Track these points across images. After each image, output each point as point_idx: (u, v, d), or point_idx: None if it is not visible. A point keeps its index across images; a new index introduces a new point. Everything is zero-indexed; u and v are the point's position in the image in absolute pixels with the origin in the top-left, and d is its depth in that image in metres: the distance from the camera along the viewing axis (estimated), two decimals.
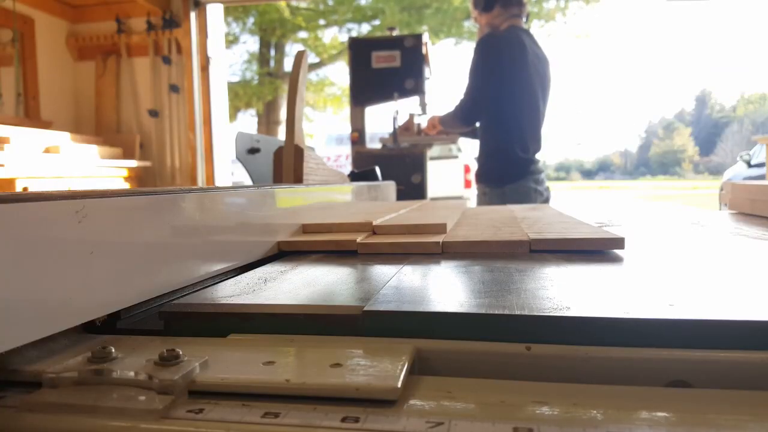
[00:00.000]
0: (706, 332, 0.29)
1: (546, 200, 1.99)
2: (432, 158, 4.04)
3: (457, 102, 1.98)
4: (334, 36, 8.22)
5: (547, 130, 2.12)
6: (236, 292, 0.40)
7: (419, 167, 2.43)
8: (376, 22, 7.42)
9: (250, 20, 7.78)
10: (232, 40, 8.01)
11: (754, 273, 0.44)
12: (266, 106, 7.89)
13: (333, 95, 8.76)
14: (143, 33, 3.51)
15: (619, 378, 0.28)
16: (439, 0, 6.98)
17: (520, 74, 1.88)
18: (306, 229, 0.68)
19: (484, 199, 1.99)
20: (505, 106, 1.90)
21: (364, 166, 1.89)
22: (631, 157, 52.66)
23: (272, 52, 8.28)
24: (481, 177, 2.01)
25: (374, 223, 0.68)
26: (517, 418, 0.23)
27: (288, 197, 0.65)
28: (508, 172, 1.91)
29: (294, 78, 0.93)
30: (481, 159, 2.01)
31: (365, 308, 0.34)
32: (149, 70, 3.56)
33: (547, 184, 2.04)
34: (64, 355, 0.31)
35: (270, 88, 7.76)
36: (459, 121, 2.01)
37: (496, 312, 0.32)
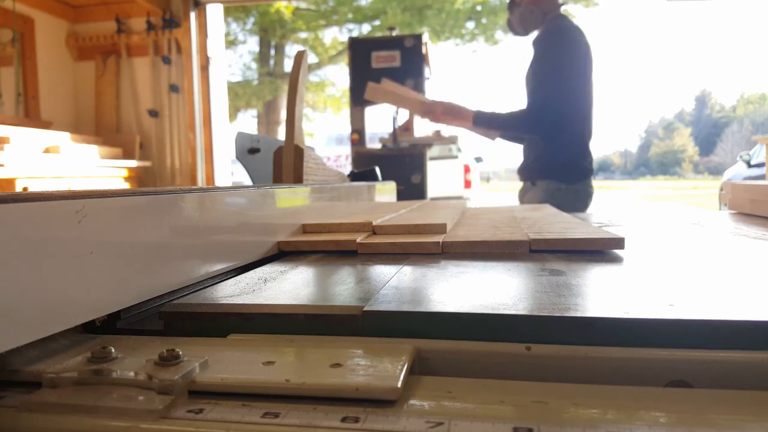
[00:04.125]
0: (706, 332, 0.29)
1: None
2: (432, 158, 4.05)
3: (519, 106, 1.74)
4: (335, 36, 8.23)
5: None
6: (236, 292, 0.40)
7: (419, 167, 2.43)
8: (377, 23, 7.43)
9: (250, 20, 7.79)
10: (232, 41, 8.01)
11: (753, 273, 0.44)
12: (266, 106, 7.89)
13: (332, 97, 8.76)
14: (143, 33, 3.51)
15: (619, 378, 0.28)
16: (441, 1, 6.98)
17: (589, 71, 1.72)
18: (306, 229, 0.68)
19: (556, 195, 1.75)
20: (579, 105, 1.72)
21: (364, 166, 1.89)
22: (631, 157, 52.61)
23: (272, 52, 8.28)
24: (548, 173, 1.77)
25: (374, 223, 0.68)
26: (517, 418, 0.23)
27: (288, 197, 0.65)
28: (580, 168, 1.80)
29: (294, 78, 0.92)
30: (547, 152, 1.76)
31: (365, 308, 0.34)
32: (149, 70, 3.57)
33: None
34: (64, 355, 0.31)
35: (270, 87, 7.77)
36: (523, 129, 1.75)
37: (496, 312, 0.32)
